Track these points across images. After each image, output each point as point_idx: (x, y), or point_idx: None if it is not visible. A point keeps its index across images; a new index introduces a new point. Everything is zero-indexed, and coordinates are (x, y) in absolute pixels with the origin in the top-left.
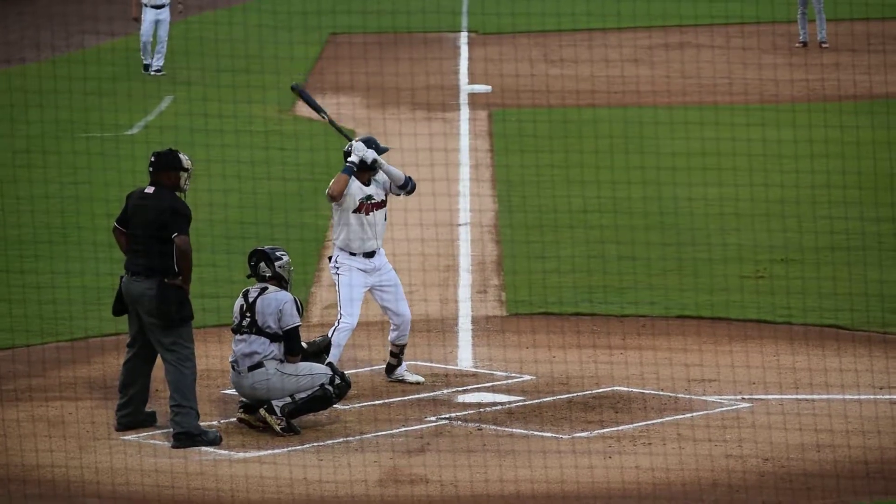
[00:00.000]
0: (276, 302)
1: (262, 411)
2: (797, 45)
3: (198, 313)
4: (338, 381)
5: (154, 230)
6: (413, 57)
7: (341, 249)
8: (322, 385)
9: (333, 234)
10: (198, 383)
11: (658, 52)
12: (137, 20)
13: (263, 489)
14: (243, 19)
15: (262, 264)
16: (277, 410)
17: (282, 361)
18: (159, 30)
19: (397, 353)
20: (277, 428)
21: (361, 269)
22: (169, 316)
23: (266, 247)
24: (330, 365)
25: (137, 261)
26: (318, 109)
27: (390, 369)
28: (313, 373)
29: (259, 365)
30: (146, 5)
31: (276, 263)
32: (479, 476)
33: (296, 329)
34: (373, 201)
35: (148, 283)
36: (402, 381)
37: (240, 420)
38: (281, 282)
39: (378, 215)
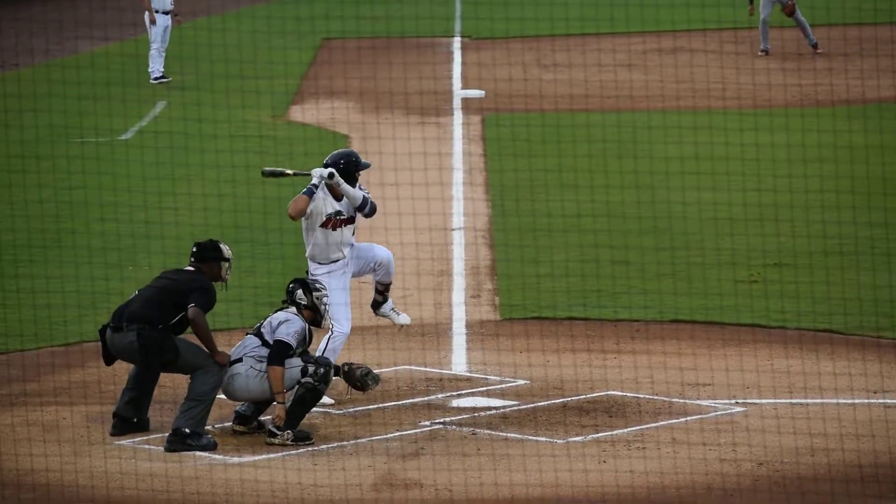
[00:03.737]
0: (282, 317)
1: (267, 439)
2: (759, 53)
3: None
4: (312, 368)
5: (172, 293)
6: (406, 62)
7: (311, 260)
8: (299, 382)
9: (305, 242)
10: None
11: (651, 57)
12: (155, 23)
13: (258, 494)
14: (237, 25)
15: (300, 291)
16: (274, 429)
17: (261, 361)
18: (164, 36)
19: (382, 291)
20: (289, 443)
21: (338, 272)
22: (153, 363)
23: (308, 278)
24: (303, 356)
25: (125, 310)
26: (282, 174)
27: (376, 305)
28: (285, 369)
29: (238, 360)
30: (158, 11)
31: (314, 294)
32: (474, 480)
33: (283, 343)
34: (341, 217)
35: (129, 335)
36: (387, 318)
37: (235, 432)
38: (315, 312)
39: (346, 231)
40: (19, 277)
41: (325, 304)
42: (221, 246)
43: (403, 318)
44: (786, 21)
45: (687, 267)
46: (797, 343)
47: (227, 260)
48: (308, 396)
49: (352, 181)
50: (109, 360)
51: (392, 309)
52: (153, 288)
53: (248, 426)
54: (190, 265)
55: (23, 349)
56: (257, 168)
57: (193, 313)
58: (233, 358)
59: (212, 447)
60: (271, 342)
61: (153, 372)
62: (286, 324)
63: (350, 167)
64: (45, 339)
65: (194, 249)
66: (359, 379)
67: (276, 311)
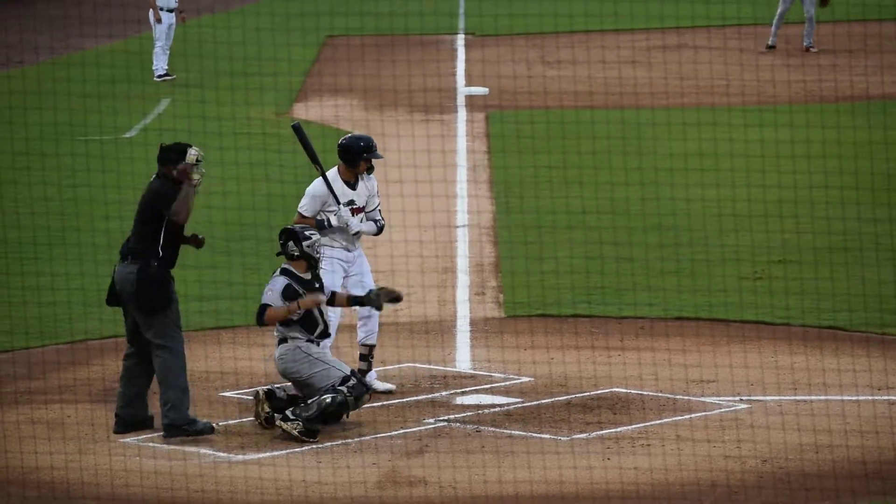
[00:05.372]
0: (270, 283)
1: (277, 421)
2: (763, 49)
3: (196, 315)
4: (352, 381)
5: (140, 211)
6: (410, 59)
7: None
8: (333, 386)
9: None
10: (197, 385)
11: (655, 54)
12: (160, 22)
13: (262, 491)
14: (241, 22)
15: (291, 243)
16: (290, 415)
17: (309, 340)
18: (169, 34)
19: (367, 355)
20: (295, 433)
21: (340, 260)
22: (143, 300)
23: (297, 226)
24: (353, 372)
25: (125, 246)
26: (313, 158)
27: (360, 373)
28: (330, 368)
29: (284, 340)
30: (163, 9)
31: (304, 243)
32: (478, 478)
33: (262, 307)
34: (354, 206)
35: (131, 266)
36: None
37: (264, 418)
38: (309, 260)
39: (353, 220)
40: (24, 275)
41: (319, 253)
42: (190, 150)
43: (386, 386)
44: (789, 17)
45: (691, 264)
46: (801, 340)
47: (189, 165)
48: (334, 405)
49: (354, 164)
50: (111, 300)
51: (376, 378)
52: (136, 220)
53: (265, 417)
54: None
55: (28, 347)
56: (261, 165)
57: (172, 213)
58: (278, 338)
59: (208, 432)
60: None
61: (132, 318)
62: (269, 286)
63: (361, 150)
64: (50, 337)
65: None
66: (381, 301)
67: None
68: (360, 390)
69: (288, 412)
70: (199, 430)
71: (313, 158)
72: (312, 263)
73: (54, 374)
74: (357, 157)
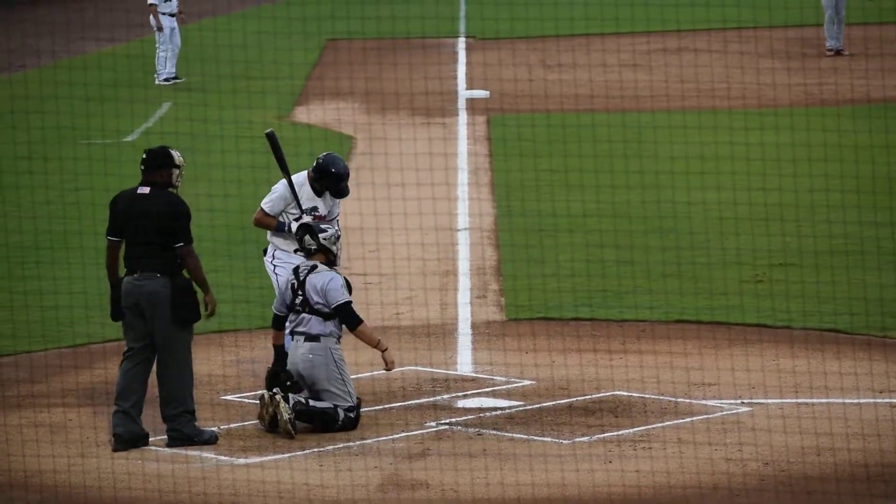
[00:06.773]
0: (321, 281)
1: (277, 396)
2: (828, 53)
3: None
4: (353, 414)
5: (157, 234)
6: (412, 62)
7: (277, 247)
8: (339, 406)
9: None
10: (199, 388)
11: (656, 57)
12: (161, 30)
13: (265, 494)
14: (242, 26)
15: (307, 237)
16: (291, 400)
17: (338, 340)
18: (174, 38)
19: None
20: (286, 415)
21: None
22: (178, 313)
23: (312, 221)
24: (357, 404)
25: (143, 261)
26: (277, 154)
27: None
28: (348, 388)
29: (316, 339)
30: (164, 14)
31: (321, 236)
32: (480, 481)
33: (345, 304)
34: (316, 213)
35: (162, 280)
36: None
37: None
38: (328, 254)
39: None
40: (26, 279)
41: (339, 246)
42: (173, 152)
43: None
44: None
45: (692, 267)
46: (803, 343)
47: (178, 167)
48: (327, 419)
49: (319, 183)
50: (118, 314)
51: None
52: (142, 240)
53: (269, 420)
54: (142, 174)
55: (30, 351)
56: (263, 168)
57: (187, 253)
58: (308, 336)
59: (213, 441)
60: (324, 306)
61: (150, 336)
62: (328, 287)
63: (330, 181)
64: (53, 341)
65: (144, 156)
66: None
67: (302, 274)
68: (352, 425)
69: (291, 397)
70: (206, 441)
71: (283, 167)
72: (331, 258)
73: (56, 378)
74: (324, 182)
